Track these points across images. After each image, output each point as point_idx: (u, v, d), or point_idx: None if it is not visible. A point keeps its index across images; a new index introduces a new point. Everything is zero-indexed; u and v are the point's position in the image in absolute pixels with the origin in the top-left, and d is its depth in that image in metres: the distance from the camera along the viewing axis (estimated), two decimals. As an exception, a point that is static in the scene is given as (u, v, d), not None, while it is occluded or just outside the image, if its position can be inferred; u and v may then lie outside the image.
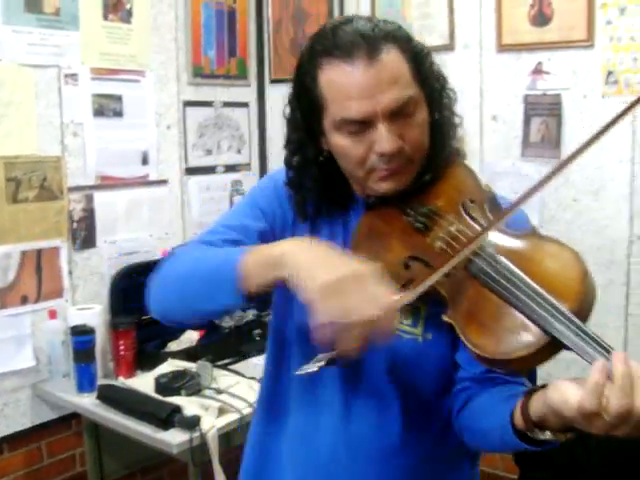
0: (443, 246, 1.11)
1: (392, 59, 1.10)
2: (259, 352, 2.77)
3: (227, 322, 2.94)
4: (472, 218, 1.13)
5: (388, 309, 0.97)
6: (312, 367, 1.07)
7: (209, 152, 3.08)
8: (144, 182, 2.81)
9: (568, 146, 2.55)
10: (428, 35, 2.75)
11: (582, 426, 0.90)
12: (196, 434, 2.12)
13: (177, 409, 2.17)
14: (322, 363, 1.06)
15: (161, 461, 2.96)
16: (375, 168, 1.14)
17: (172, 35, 2.86)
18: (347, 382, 1.24)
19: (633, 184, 2.46)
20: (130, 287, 2.72)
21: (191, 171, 3.01)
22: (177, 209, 2.97)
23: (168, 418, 2.15)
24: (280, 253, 1.04)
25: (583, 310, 0.95)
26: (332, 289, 0.96)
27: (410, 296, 1.01)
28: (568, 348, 0.92)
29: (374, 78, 1.09)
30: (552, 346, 0.94)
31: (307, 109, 1.19)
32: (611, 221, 2.52)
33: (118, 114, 2.68)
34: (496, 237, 1.07)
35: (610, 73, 2.43)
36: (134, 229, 2.79)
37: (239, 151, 3.23)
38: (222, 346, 2.76)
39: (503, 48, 2.63)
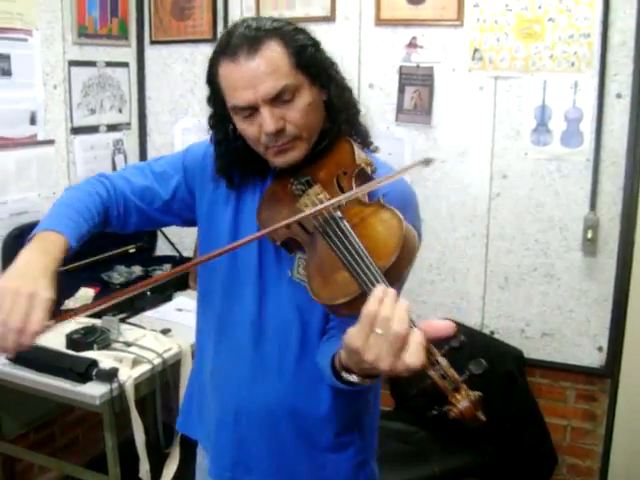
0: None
1: (270, 54, 1.30)
2: (151, 306, 2.91)
3: (117, 279, 3.04)
4: (340, 188, 1.33)
5: (32, 330, 1.17)
6: None
7: (93, 111, 3.10)
8: (32, 142, 2.80)
9: (438, 113, 2.87)
10: (310, 6, 2.95)
11: (358, 359, 1.07)
12: (115, 385, 2.25)
13: (94, 363, 2.27)
14: None
15: (53, 418, 3.04)
16: (268, 145, 1.36)
17: (58, -7, 2.84)
18: (261, 315, 1.47)
19: (493, 149, 2.81)
20: (22, 247, 2.73)
21: (76, 130, 3.02)
22: (63, 168, 2.98)
23: (86, 372, 2.25)
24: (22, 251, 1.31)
25: (394, 269, 1.14)
26: (7, 293, 1.18)
27: (55, 324, 1.22)
28: None
29: (252, 71, 1.29)
30: (363, 297, 1.10)
31: (215, 97, 1.42)
32: (474, 181, 2.87)
33: (7, 73, 2.65)
34: (350, 205, 1.28)
35: (476, 50, 2.75)
36: (24, 189, 2.79)
37: (120, 110, 3.27)
38: (117, 302, 2.85)
39: (381, 22, 2.87)
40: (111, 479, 2.38)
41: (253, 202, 1.48)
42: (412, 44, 2.85)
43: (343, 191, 1.32)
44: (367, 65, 2.96)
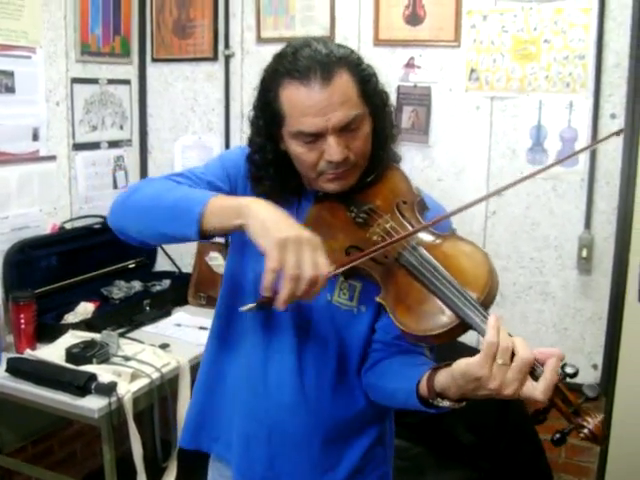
0: (379, 239, 1.34)
1: (343, 82, 1.31)
2: (151, 321, 2.93)
3: (117, 294, 3.06)
4: (403, 217, 1.37)
5: (324, 275, 1.18)
6: (250, 306, 1.29)
7: (94, 128, 3.14)
8: (35, 158, 2.84)
9: (435, 133, 2.90)
10: (310, 26, 2.99)
11: (477, 386, 1.13)
12: (113, 399, 2.27)
13: (93, 377, 2.30)
14: (253, 305, 1.28)
15: (52, 431, 3.05)
16: (324, 172, 1.37)
17: (62, 12, 2.88)
18: (299, 336, 1.49)
19: (489, 168, 2.85)
20: (23, 262, 2.77)
21: (78, 147, 3.06)
22: (65, 184, 3.02)
23: (85, 385, 2.27)
24: (245, 204, 1.25)
25: (488, 299, 1.19)
26: (288, 244, 1.16)
27: (340, 270, 1.24)
28: (473, 328, 1.17)
29: (326, 99, 1.30)
30: (461, 326, 1.18)
31: (269, 119, 1.40)
32: (470, 198, 2.88)
33: (10, 90, 2.69)
34: (423, 235, 1.32)
35: (473, 71, 2.79)
36: (25, 205, 2.82)
37: (121, 127, 3.31)
38: (116, 316, 2.88)
39: (379, 42, 2.92)
40: (108, 493, 2.40)
41: None
42: (410, 64, 2.89)
43: (406, 220, 1.36)
44: (365, 84, 2.99)
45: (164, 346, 2.64)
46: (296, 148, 1.37)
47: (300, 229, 1.20)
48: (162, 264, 3.46)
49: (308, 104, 1.30)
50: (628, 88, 2.59)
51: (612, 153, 2.65)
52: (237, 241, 1.56)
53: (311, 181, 1.44)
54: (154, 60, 3.36)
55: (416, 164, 2.96)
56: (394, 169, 1.47)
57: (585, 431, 1.09)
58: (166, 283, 3.23)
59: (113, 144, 3.28)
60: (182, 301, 3.18)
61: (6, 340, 2.60)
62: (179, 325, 2.91)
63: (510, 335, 1.13)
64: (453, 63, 2.84)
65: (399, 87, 2.92)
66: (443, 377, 1.20)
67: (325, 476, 1.53)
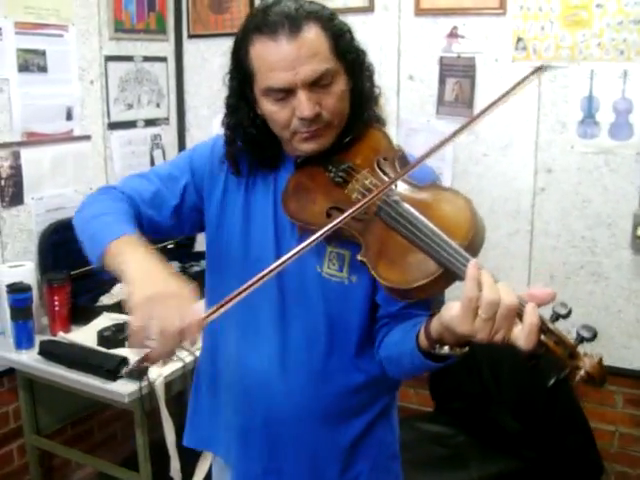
0: (359, 197, 1.28)
1: (312, 36, 1.26)
2: (187, 302, 2.88)
3: (154, 275, 3.02)
4: (384, 173, 1.31)
5: (191, 325, 1.10)
6: (132, 365, 1.21)
7: (130, 107, 3.09)
8: (69, 138, 2.80)
9: (480, 106, 2.76)
10: (349, -4, 2.88)
11: (466, 337, 1.07)
12: (144, 383, 2.22)
13: (124, 360, 2.26)
14: (134, 365, 1.26)
15: (91, 413, 3.03)
16: (298, 131, 1.31)
17: (94, -11, 2.83)
18: (285, 317, 1.42)
19: (538, 142, 2.70)
20: (58, 243, 2.73)
21: (113, 126, 3.01)
22: (100, 164, 2.98)
23: (116, 369, 2.23)
24: (122, 261, 1.21)
25: (472, 246, 1.12)
26: (148, 301, 1.10)
27: (215, 313, 1.13)
28: (460, 278, 1.09)
29: (294, 53, 1.24)
30: (446, 276, 1.11)
31: (241, 78, 1.35)
32: (517, 175, 2.76)
33: (42, 69, 2.65)
34: (402, 188, 1.26)
35: (520, 40, 2.64)
36: (60, 185, 2.79)
37: (158, 105, 3.26)
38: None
39: (421, 12, 2.79)
40: (142, 477, 2.37)
41: (266, 193, 1.44)
42: (453, 34, 2.75)
43: (387, 176, 1.29)
44: (407, 56, 2.87)
45: (199, 329, 2.58)
46: (268, 107, 1.32)
47: (163, 283, 1.15)
48: (202, 244, 3.40)
49: (276, 58, 1.26)
50: (688, 54, 2.42)
51: (670, 124, 2.48)
52: (212, 222, 1.52)
53: (287, 143, 1.38)
54: (190, 36, 3.29)
55: (460, 139, 2.82)
56: (375, 129, 1.41)
57: (581, 372, 1.01)
58: (204, 264, 3.17)
59: (150, 122, 3.22)
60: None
61: (41, 322, 2.58)
62: (215, 307, 2.85)
63: (495, 280, 1.05)
64: (498, 32, 2.69)
65: (442, 58, 2.80)
66: (435, 322, 1.13)
67: (326, 462, 1.47)
